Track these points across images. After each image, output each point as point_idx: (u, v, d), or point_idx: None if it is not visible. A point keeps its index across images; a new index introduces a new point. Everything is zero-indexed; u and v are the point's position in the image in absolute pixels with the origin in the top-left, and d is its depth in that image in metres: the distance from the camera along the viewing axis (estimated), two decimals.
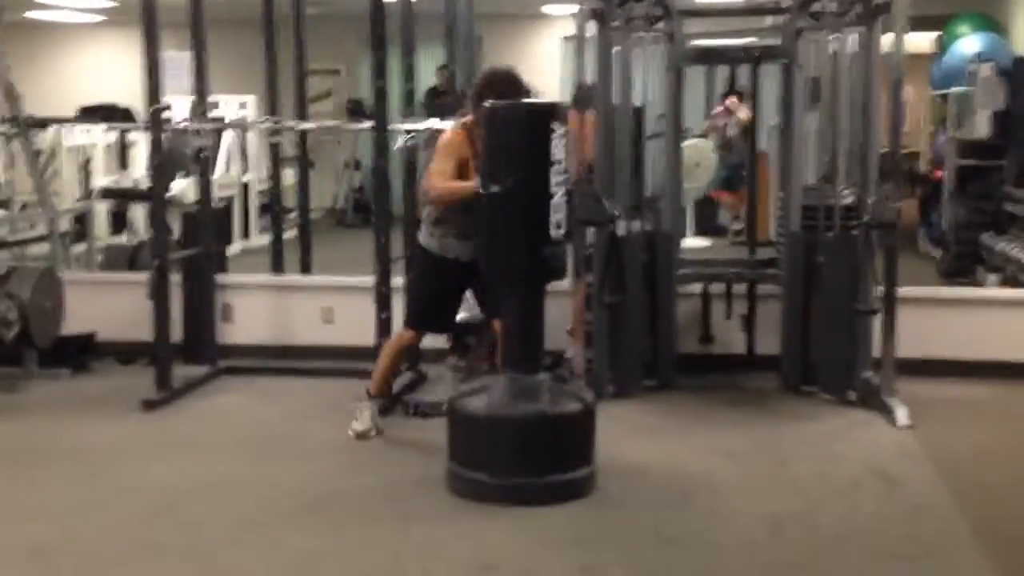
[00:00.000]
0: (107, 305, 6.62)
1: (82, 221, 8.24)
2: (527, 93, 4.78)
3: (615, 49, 5.67)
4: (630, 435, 5.06)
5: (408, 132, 5.89)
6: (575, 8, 5.51)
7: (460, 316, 5.35)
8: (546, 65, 13.57)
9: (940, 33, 10.69)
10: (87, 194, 8.47)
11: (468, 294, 5.36)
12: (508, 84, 4.75)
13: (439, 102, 10.87)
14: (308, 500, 4.34)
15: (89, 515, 4.22)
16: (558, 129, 4.30)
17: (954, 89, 9.43)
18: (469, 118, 4.85)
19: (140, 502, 4.34)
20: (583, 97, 5.52)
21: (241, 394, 5.90)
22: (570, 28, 5.67)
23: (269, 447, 5.02)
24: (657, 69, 5.91)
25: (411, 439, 5.08)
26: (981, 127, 8.76)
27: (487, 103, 4.48)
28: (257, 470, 4.71)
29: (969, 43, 9.65)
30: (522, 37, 13.88)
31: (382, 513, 4.21)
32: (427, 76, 11.12)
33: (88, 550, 3.91)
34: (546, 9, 13.05)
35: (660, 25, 5.83)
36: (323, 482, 4.55)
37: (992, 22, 10.09)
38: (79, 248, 8.21)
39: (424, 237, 5.03)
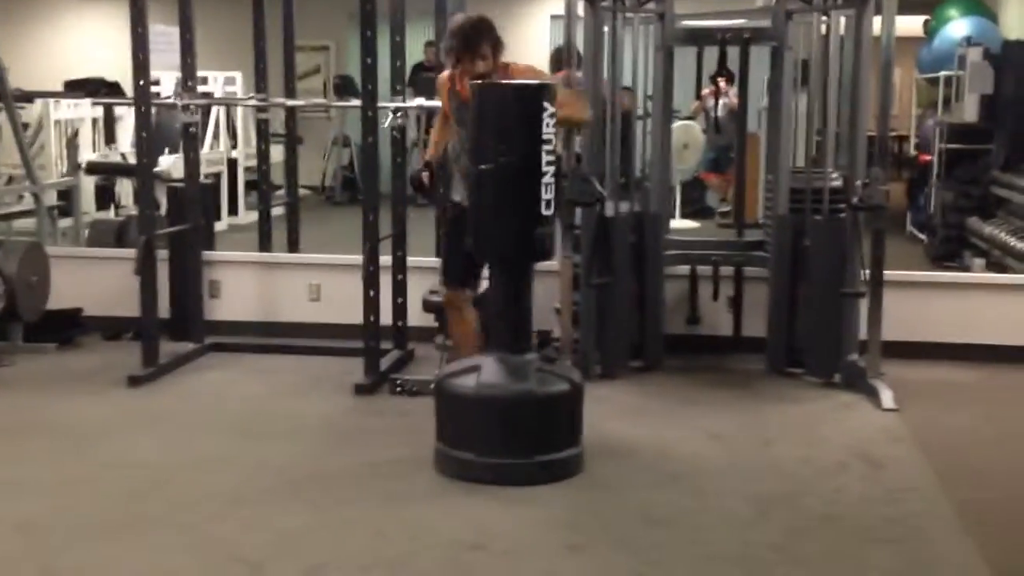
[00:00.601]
0: (94, 280, 6.59)
1: (68, 196, 8.20)
2: (494, 40, 4.80)
3: (604, 29, 5.66)
4: (617, 416, 5.07)
5: (396, 110, 5.87)
6: None
7: None
8: (535, 44, 13.54)
9: (928, 17, 10.69)
10: (74, 168, 8.42)
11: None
12: (473, 30, 4.78)
13: (425, 77, 10.86)
14: (294, 478, 4.34)
15: (76, 490, 4.21)
16: (549, 108, 4.30)
17: (943, 73, 9.44)
18: (449, 71, 4.92)
19: (126, 478, 4.33)
20: (559, 58, 5.53)
21: (228, 371, 5.89)
22: (559, 7, 5.64)
23: (255, 424, 5.02)
24: (647, 49, 5.90)
25: (398, 418, 5.08)
26: (969, 111, 8.78)
27: (453, 55, 4.63)
28: (243, 447, 4.70)
29: (958, 27, 9.67)
30: (512, 15, 13.79)
31: (368, 492, 4.21)
32: (415, 53, 11.10)
33: (75, 524, 3.90)
34: None
35: (650, 5, 5.82)
36: (309, 460, 4.55)
37: (981, 6, 10.10)
38: (65, 223, 8.18)
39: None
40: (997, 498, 4.27)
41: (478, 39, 4.78)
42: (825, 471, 4.49)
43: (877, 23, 5.37)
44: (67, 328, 6.38)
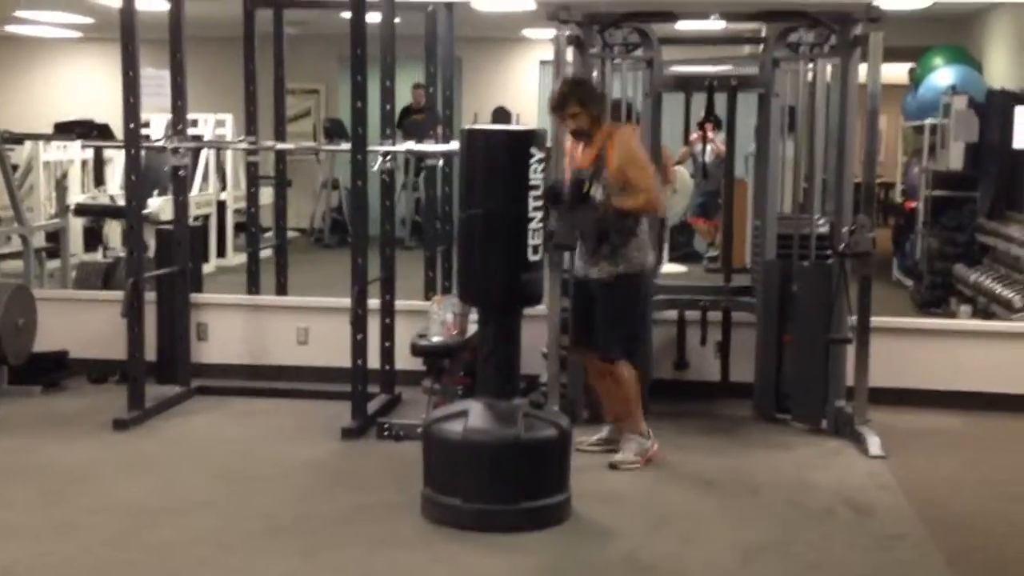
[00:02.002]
0: (80, 323, 6.58)
1: (56, 238, 8.19)
2: (582, 100, 4.89)
3: (593, 74, 5.70)
4: (605, 460, 5.05)
5: (386, 153, 5.89)
6: (553, 32, 5.53)
7: (435, 338, 5.35)
8: (525, 88, 13.63)
9: (914, 65, 10.79)
10: (62, 210, 8.42)
11: (437, 310, 5.36)
12: (559, 94, 4.95)
13: (413, 120, 10.92)
14: (280, 523, 4.32)
15: (59, 535, 4.17)
16: (537, 154, 4.32)
17: (928, 120, 9.52)
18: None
19: (110, 522, 4.30)
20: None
21: (214, 414, 5.87)
22: (549, 52, 5.68)
23: (242, 468, 5.00)
24: (636, 95, 5.95)
25: (386, 462, 5.06)
26: (955, 159, 8.84)
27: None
28: (229, 491, 4.68)
29: (943, 75, 9.75)
30: (501, 60, 13.93)
31: (355, 537, 4.19)
32: (404, 95, 11.15)
33: (59, 569, 3.87)
34: (526, 32, 13.09)
35: (638, 52, 5.88)
36: (296, 504, 4.52)
37: (965, 55, 10.19)
38: (53, 264, 8.16)
39: (617, 264, 4.98)
40: (985, 545, 4.26)
41: (566, 100, 4.93)
42: (813, 518, 4.48)
43: (863, 71, 5.42)
44: (53, 371, 6.35)
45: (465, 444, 4.26)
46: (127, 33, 5.56)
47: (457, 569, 3.93)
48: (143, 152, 5.86)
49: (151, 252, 7.02)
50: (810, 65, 5.87)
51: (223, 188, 10.97)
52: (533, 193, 4.31)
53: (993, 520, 4.52)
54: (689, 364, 6.18)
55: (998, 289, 7.60)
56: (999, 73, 9.55)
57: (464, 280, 4.50)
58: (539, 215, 4.35)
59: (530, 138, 4.36)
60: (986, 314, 7.68)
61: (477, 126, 4.58)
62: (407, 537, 4.19)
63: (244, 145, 6.99)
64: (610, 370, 5.04)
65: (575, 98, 4.91)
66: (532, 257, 4.33)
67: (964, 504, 4.70)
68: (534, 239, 4.33)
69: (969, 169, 8.81)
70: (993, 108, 8.57)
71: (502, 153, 4.38)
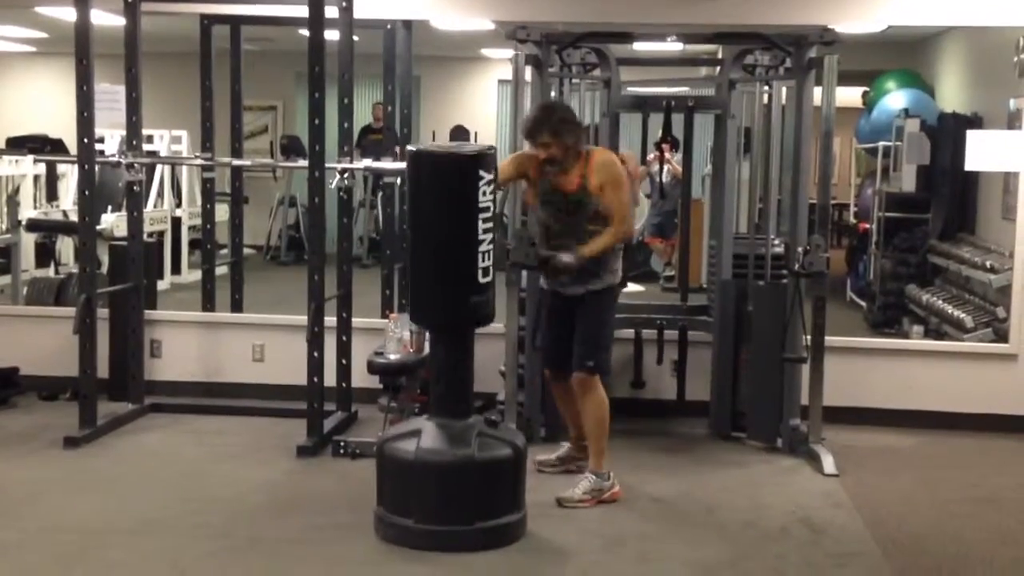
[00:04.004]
0: (31, 339, 6.50)
1: (8, 253, 8.09)
2: (554, 129, 4.79)
3: (552, 94, 5.72)
4: (561, 479, 5.05)
5: (344, 171, 5.88)
6: (512, 52, 5.54)
7: (392, 356, 5.33)
8: (483, 107, 13.65)
9: (867, 88, 10.92)
10: (14, 225, 8.32)
11: (394, 328, 5.34)
12: (533, 122, 4.86)
13: (372, 139, 10.89)
14: (234, 543, 4.27)
15: (7, 555, 4.11)
16: (486, 176, 4.30)
17: (881, 143, 9.63)
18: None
19: (60, 542, 4.24)
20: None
21: (167, 432, 5.81)
22: (508, 71, 5.70)
23: (195, 487, 4.94)
24: (593, 115, 5.97)
25: (341, 481, 5.03)
26: (907, 181, 8.94)
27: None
28: (182, 510, 4.62)
29: (896, 99, 9.86)
30: (460, 78, 13.94)
31: (310, 557, 4.15)
32: (363, 113, 11.14)
33: None
34: (484, 51, 13.12)
35: (596, 72, 5.91)
36: (250, 524, 4.48)
37: (918, 79, 10.33)
38: (4, 280, 8.06)
39: (604, 278, 4.92)
40: (937, 564, 4.29)
41: (537, 129, 4.83)
42: (768, 536, 4.50)
43: (818, 93, 5.48)
44: (3, 388, 6.26)
45: (418, 463, 4.23)
46: (81, 47, 5.52)
47: None
48: (97, 167, 5.81)
49: (104, 268, 6.96)
50: (766, 87, 5.94)
51: (178, 204, 10.89)
52: (483, 215, 4.27)
53: (945, 539, 4.56)
54: (645, 383, 6.19)
55: (950, 309, 7.69)
56: (951, 97, 9.68)
57: (414, 301, 4.46)
58: (489, 237, 4.30)
59: (479, 160, 4.30)
60: (938, 334, 7.77)
61: (424, 147, 4.52)
62: (362, 557, 4.16)
63: (200, 161, 6.96)
64: (586, 386, 4.88)
65: (547, 128, 4.80)
66: (482, 279, 4.30)
67: (917, 523, 4.74)
68: (484, 261, 4.28)
69: (921, 191, 8.92)
70: (945, 131, 8.69)
71: (450, 176, 4.33)
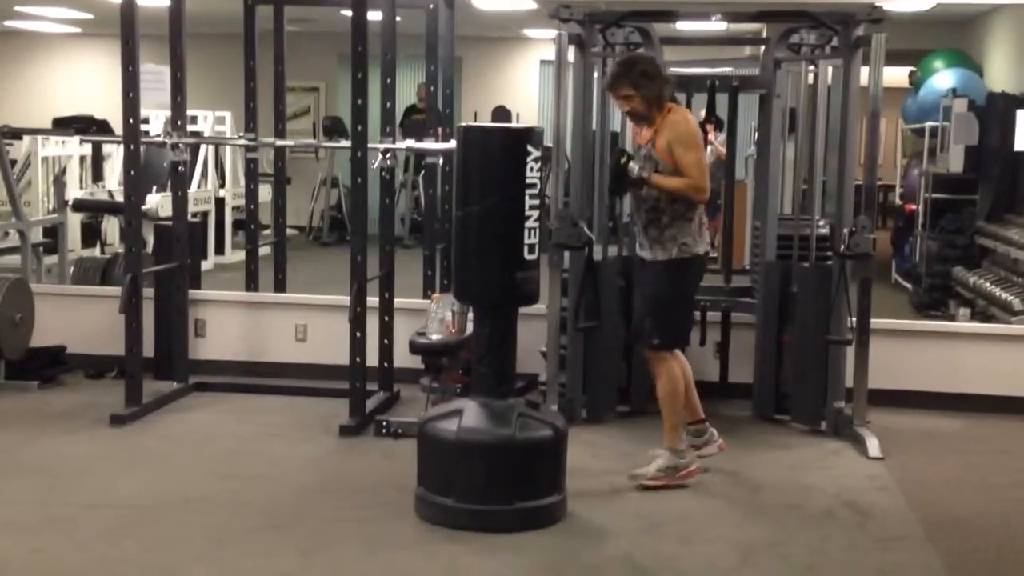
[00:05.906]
0: (78, 318, 6.56)
1: (54, 233, 8.18)
2: (635, 81, 4.65)
3: (595, 75, 5.69)
4: (603, 460, 5.04)
5: (386, 151, 5.88)
6: (555, 32, 5.51)
7: (434, 337, 5.34)
8: (525, 87, 13.64)
9: (914, 68, 10.79)
10: (60, 206, 8.41)
11: (436, 308, 5.35)
12: (614, 73, 4.74)
13: (415, 119, 10.89)
14: (277, 521, 4.30)
15: (55, 529, 4.16)
16: (533, 152, 4.29)
17: (928, 123, 9.52)
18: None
19: (107, 517, 4.29)
20: None
21: (211, 410, 5.85)
22: (550, 51, 5.67)
23: (238, 465, 4.98)
24: None
25: (383, 460, 5.05)
26: (955, 162, 8.83)
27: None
28: (226, 488, 4.66)
29: (943, 78, 9.74)
30: (502, 59, 13.93)
31: (351, 536, 4.17)
32: (406, 94, 11.13)
33: (53, 566, 3.86)
34: (526, 31, 13.09)
35: (640, 52, 5.86)
36: (292, 502, 4.51)
37: (966, 58, 10.19)
38: (51, 260, 8.15)
39: (668, 248, 4.75)
40: (983, 547, 4.25)
41: (617, 82, 4.72)
42: (812, 519, 4.47)
43: (864, 73, 5.41)
44: (50, 366, 6.34)
45: (459, 443, 4.24)
46: (127, 28, 5.55)
47: (451, 570, 3.91)
48: (142, 148, 5.85)
49: (149, 248, 7.02)
50: (811, 67, 5.87)
51: (222, 185, 10.97)
52: (530, 191, 4.28)
53: (991, 522, 4.51)
54: (689, 364, 6.15)
55: (997, 292, 7.60)
56: (999, 76, 9.55)
57: (459, 279, 4.47)
58: (535, 214, 4.31)
59: (527, 136, 4.32)
60: (985, 317, 7.68)
61: (474, 123, 4.53)
62: (404, 537, 4.18)
63: (243, 142, 6.99)
64: (655, 362, 4.81)
65: (627, 80, 4.67)
66: (528, 256, 4.30)
67: (962, 506, 4.69)
68: (530, 238, 4.29)
69: (969, 172, 8.81)
70: (993, 111, 8.57)
71: (499, 151, 4.35)
